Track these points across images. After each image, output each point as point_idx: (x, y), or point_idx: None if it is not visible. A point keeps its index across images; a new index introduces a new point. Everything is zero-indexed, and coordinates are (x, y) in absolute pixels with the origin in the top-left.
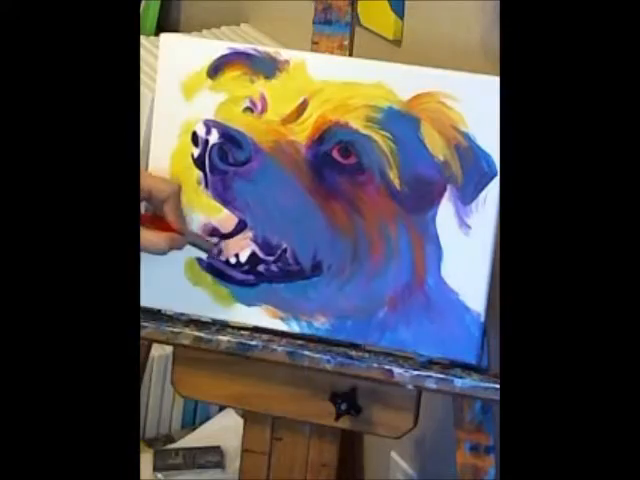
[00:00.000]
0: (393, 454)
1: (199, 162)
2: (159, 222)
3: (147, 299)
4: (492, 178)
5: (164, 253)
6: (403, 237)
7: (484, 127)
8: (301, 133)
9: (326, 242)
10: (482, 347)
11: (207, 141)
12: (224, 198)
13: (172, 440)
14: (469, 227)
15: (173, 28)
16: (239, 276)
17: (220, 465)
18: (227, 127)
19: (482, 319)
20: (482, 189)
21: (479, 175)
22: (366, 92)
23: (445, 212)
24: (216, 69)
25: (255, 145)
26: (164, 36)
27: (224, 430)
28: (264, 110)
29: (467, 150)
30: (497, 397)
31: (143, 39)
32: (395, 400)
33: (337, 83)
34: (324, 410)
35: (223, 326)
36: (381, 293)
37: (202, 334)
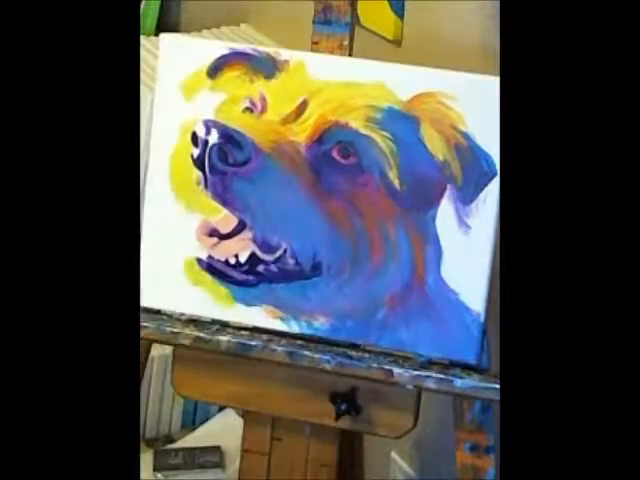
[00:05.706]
0: (393, 454)
1: (199, 162)
2: None
3: (147, 299)
4: (492, 178)
5: None
6: (403, 237)
7: (484, 127)
8: (301, 133)
9: (326, 242)
10: (482, 347)
11: (207, 141)
12: (224, 198)
13: (172, 440)
14: (469, 227)
15: (173, 28)
16: (239, 276)
17: (220, 465)
18: (227, 127)
19: (482, 319)
20: (482, 189)
21: (479, 175)
22: (366, 92)
23: (445, 212)
24: (216, 69)
25: (255, 145)
26: (164, 36)
27: (224, 430)
28: (264, 110)
29: (467, 150)
30: (497, 397)
31: (143, 39)
32: (395, 400)
33: (337, 83)
34: (324, 410)
35: (223, 326)
36: (381, 293)
37: (202, 334)
